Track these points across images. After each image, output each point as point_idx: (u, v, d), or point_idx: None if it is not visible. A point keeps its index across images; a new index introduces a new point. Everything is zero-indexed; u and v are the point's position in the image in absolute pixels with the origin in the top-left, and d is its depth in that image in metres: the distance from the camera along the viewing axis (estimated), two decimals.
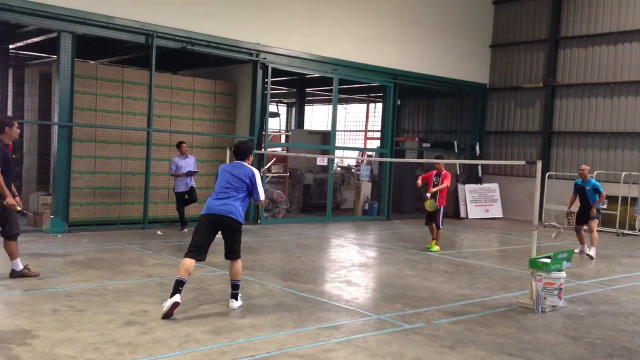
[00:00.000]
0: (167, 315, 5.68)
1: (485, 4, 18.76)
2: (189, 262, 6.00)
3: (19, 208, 6.98)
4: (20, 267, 7.10)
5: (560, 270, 6.93)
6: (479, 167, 18.53)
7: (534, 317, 6.56)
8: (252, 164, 6.53)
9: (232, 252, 6.31)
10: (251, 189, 6.32)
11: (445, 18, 17.46)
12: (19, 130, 7.16)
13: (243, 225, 6.39)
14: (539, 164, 7.20)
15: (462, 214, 17.63)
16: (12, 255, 7.03)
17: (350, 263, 9.58)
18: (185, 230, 11.69)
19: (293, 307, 6.44)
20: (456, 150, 18.84)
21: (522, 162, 7.85)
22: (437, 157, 11.40)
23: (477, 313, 6.60)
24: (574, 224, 11.79)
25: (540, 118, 17.86)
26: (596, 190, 11.14)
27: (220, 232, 6.28)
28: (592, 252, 10.96)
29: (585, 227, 11.36)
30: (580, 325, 6.32)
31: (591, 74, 16.80)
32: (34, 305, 5.94)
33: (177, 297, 5.75)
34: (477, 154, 18.60)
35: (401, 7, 16.35)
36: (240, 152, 6.50)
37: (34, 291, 6.55)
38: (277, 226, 13.59)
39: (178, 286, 5.82)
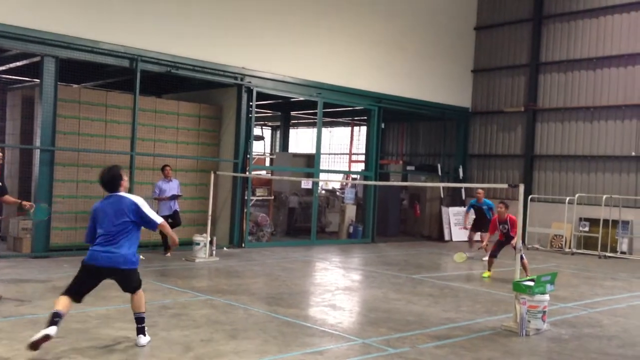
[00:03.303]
0: (34, 346, 4.96)
1: (466, 30, 19.10)
2: (66, 300, 5.34)
3: None
4: None
5: (543, 293, 6.96)
6: (463, 190, 18.65)
7: (519, 340, 6.56)
8: (130, 191, 6.20)
9: (131, 289, 5.61)
10: (141, 222, 5.57)
11: (428, 43, 17.73)
12: (0, 154, 7.10)
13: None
14: (522, 187, 7.28)
15: (446, 237, 17.69)
16: None
17: (335, 287, 9.54)
18: (169, 254, 11.58)
19: (277, 332, 6.38)
20: (440, 173, 18.98)
21: (505, 186, 7.95)
22: (502, 203, 11.26)
23: (462, 337, 6.59)
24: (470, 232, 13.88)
25: (522, 142, 18.09)
26: (490, 209, 13.20)
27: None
28: (487, 257, 11.89)
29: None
30: (565, 348, 6.33)
31: (571, 99, 17.10)
32: (12, 333, 5.82)
33: (51, 329, 5.06)
34: (461, 177, 18.75)
35: (385, 32, 16.58)
36: (108, 182, 5.60)
37: (13, 318, 6.42)
38: (261, 250, 13.52)
39: (54, 318, 5.15)
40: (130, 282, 5.59)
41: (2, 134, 13.13)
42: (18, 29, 10.37)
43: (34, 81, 13.22)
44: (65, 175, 11.51)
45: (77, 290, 5.44)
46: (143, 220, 5.55)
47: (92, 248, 5.49)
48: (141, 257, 11.26)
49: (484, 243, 12.37)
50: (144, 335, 5.59)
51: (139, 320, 5.58)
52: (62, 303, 5.29)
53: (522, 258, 10.65)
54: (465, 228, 14.30)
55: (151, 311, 6.97)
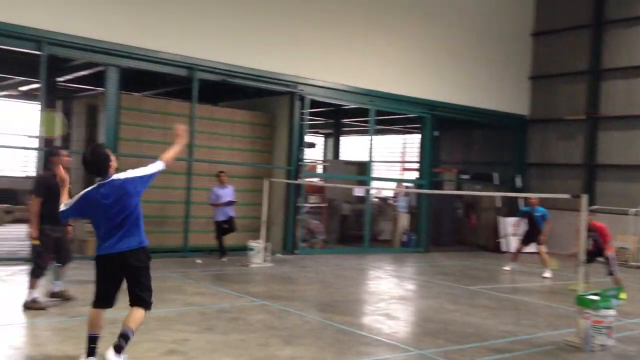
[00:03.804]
0: None
1: (523, 36, 18.66)
2: (96, 313, 4.92)
3: (36, 242, 7.01)
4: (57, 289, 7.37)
5: (609, 308, 6.68)
6: (520, 200, 18.16)
7: (583, 356, 6.32)
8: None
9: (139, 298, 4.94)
10: (149, 181, 4.99)
11: (483, 50, 17.41)
12: (67, 158, 7.35)
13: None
14: (585, 198, 7.02)
15: (503, 248, 17.25)
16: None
17: (389, 296, 9.44)
18: (225, 259, 11.75)
19: (333, 339, 6.36)
20: (496, 182, 18.55)
21: (567, 196, 7.67)
22: (591, 213, 10.93)
23: (522, 351, 6.40)
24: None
25: (583, 150, 17.49)
26: (543, 218, 12.44)
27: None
28: (547, 274, 12.04)
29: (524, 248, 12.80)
30: None
31: (636, 106, 16.43)
32: (80, 332, 6.00)
33: None
34: (518, 187, 18.27)
35: (439, 39, 16.39)
36: (94, 164, 4.78)
37: (79, 318, 6.63)
38: (314, 256, 13.54)
39: (91, 345, 4.81)
40: (140, 276, 4.96)
41: (69, 140, 13.67)
42: (84, 39, 10.79)
43: (97, 90, 13.73)
44: None
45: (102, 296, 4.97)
46: (152, 177, 5.06)
47: (102, 244, 4.87)
48: (198, 260, 11.55)
49: (545, 258, 12.04)
50: (119, 353, 4.65)
51: (124, 337, 4.73)
52: (94, 321, 4.89)
53: (612, 272, 10.26)
54: (514, 234, 13.48)
55: (209, 314, 7.10)
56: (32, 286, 7.01)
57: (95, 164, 4.78)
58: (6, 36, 10.15)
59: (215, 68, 12.39)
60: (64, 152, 7.39)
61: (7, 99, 19.47)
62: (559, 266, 11.87)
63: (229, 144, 13.52)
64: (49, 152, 7.37)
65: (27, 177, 18.78)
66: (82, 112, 13.14)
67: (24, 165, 20.02)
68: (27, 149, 16.74)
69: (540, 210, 12.50)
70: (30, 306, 6.95)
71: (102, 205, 4.73)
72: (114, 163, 4.87)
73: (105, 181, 4.77)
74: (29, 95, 17.83)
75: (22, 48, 10.49)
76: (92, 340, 4.83)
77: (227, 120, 13.56)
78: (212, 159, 12.97)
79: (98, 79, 12.39)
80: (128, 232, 4.80)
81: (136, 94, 14.71)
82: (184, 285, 8.95)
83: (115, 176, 4.81)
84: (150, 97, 14.80)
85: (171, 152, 5.15)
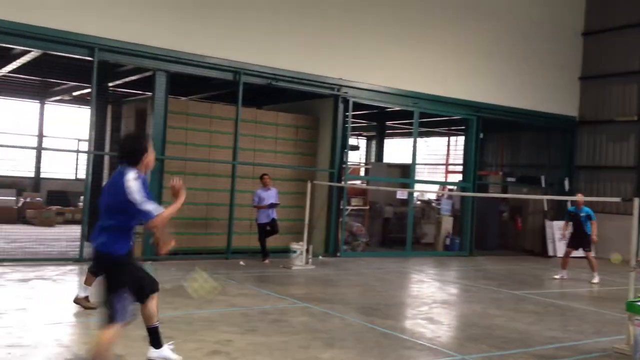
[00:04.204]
0: None
1: (573, 36, 18.18)
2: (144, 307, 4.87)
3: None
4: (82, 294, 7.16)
5: None
6: (569, 204, 17.70)
7: None
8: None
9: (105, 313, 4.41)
10: (132, 208, 4.26)
11: (530, 50, 17.04)
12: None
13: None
14: (637, 201, 6.80)
15: (551, 252, 16.85)
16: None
17: (432, 300, 9.37)
18: (267, 261, 11.88)
19: (374, 343, 6.36)
20: (543, 185, 18.13)
21: (618, 199, 7.47)
22: None
23: (569, 358, 6.26)
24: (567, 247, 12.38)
25: (635, 152, 16.92)
26: (589, 218, 11.92)
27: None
28: (595, 279, 11.73)
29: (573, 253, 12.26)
30: None
31: None
32: (126, 331, 6.19)
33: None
34: (567, 190, 17.81)
35: (484, 39, 16.15)
36: (127, 153, 4.49)
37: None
38: (356, 259, 13.55)
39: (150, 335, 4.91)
40: (106, 281, 4.38)
41: (118, 144, 14.07)
42: (132, 45, 11.11)
43: (146, 94, 14.12)
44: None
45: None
46: (129, 203, 4.26)
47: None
48: (241, 262, 11.72)
49: (593, 262, 11.71)
50: None
51: None
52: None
53: None
54: (563, 237, 12.84)
55: (252, 316, 7.22)
56: (86, 282, 7.05)
57: (129, 153, 4.49)
58: (60, 43, 10.54)
59: (260, 72, 12.56)
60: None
61: (60, 103, 20.22)
62: (620, 260, 11.10)
63: (272, 147, 13.67)
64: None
65: (78, 180, 19.45)
66: (131, 116, 13.52)
67: (74, 168, 20.75)
68: (78, 152, 17.34)
69: (586, 211, 12.04)
70: (80, 302, 7.07)
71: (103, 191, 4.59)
72: (149, 161, 4.55)
73: (120, 169, 4.50)
74: (80, 100, 18.46)
75: (75, 54, 10.90)
76: (150, 332, 4.97)
77: (271, 123, 13.72)
78: (255, 161, 13.14)
79: (147, 84, 12.74)
80: (98, 229, 4.45)
81: (183, 98, 15.06)
82: (228, 287, 9.10)
83: (130, 170, 4.41)
84: (197, 100, 15.12)
85: (169, 211, 4.42)
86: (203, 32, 11.95)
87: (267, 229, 12.07)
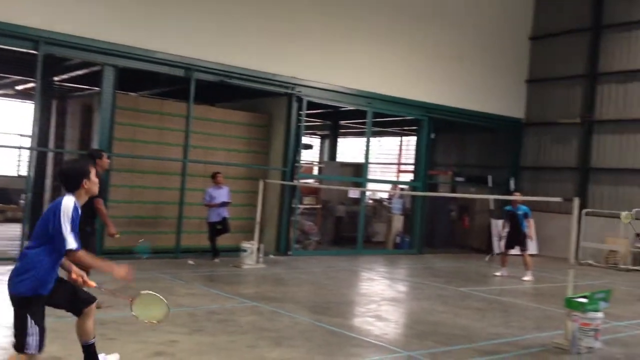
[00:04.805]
0: None
1: (521, 40, 18.72)
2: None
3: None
4: None
5: (597, 310, 6.73)
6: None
7: (569, 358, 6.37)
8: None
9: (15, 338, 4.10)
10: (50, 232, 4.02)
11: (481, 53, 17.46)
12: (108, 161, 7.39)
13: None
14: (576, 201, 7.08)
15: (496, 250, 17.29)
16: None
17: (381, 297, 9.49)
18: (217, 260, 11.78)
19: (322, 341, 6.40)
20: (490, 184, 18.62)
21: (559, 199, 7.74)
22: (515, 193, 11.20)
23: (510, 353, 6.45)
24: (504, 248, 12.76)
25: (577, 154, 17.57)
26: (526, 216, 12.27)
27: None
28: (527, 277, 12.07)
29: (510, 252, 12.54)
30: None
31: (630, 110, 16.51)
32: (66, 333, 6.04)
33: None
34: (512, 189, 18.33)
35: (437, 42, 16.43)
36: (65, 179, 4.26)
37: (67, 319, 6.65)
38: (307, 258, 13.58)
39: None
40: (15, 318, 4.06)
41: (62, 140, 13.69)
42: (80, 39, 10.81)
43: (93, 89, 13.76)
44: (121, 181, 11.89)
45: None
46: (53, 229, 4.01)
47: None
48: (190, 262, 11.58)
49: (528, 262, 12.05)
50: None
51: None
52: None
53: None
54: (500, 238, 13.34)
55: (199, 316, 7.14)
56: None
57: (66, 178, 4.27)
58: (4, 35, 10.17)
59: (212, 69, 12.43)
60: (105, 154, 7.40)
61: (2, 97, 19.49)
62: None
63: (224, 145, 13.55)
64: (94, 153, 7.45)
65: (20, 177, 18.80)
66: (77, 112, 13.17)
67: (17, 164, 20.04)
68: (21, 148, 16.74)
69: (523, 209, 12.36)
70: None
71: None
72: (91, 185, 4.30)
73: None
74: (24, 94, 17.85)
75: (19, 47, 10.52)
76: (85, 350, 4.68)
77: (223, 120, 13.60)
78: (207, 159, 13.00)
79: (94, 79, 12.42)
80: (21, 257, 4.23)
81: (132, 93, 14.75)
82: (175, 287, 8.99)
83: (69, 197, 4.19)
84: (147, 97, 14.84)
85: (90, 262, 4.28)
86: (154, 27, 11.74)
87: (217, 228, 11.98)
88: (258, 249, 11.66)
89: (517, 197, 12.43)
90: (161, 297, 4.47)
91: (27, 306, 4.03)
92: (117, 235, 7.30)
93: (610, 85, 17.03)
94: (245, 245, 11.55)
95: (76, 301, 4.53)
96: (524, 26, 18.79)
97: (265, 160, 14.27)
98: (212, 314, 7.32)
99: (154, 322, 4.54)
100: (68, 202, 4.10)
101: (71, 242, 4.01)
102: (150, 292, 4.50)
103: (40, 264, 4.05)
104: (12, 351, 4.24)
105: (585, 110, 17.34)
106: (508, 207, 12.62)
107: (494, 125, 18.21)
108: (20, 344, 4.04)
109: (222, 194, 11.95)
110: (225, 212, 12.00)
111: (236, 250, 11.72)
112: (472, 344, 6.69)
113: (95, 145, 11.44)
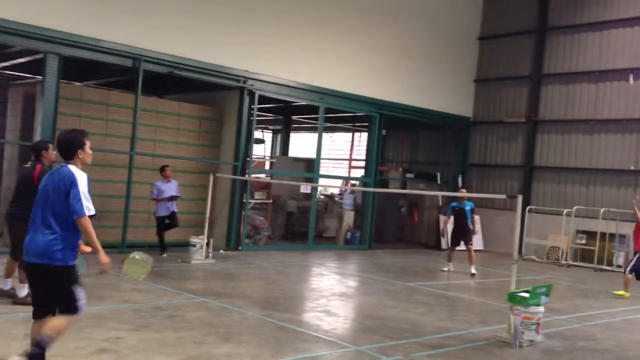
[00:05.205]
0: None
1: (470, 40, 19.13)
2: (35, 326, 4.46)
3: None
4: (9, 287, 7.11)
5: (538, 304, 6.96)
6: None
7: (512, 351, 6.55)
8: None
9: (58, 305, 4.43)
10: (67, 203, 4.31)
11: (432, 52, 17.75)
12: (54, 152, 7.04)
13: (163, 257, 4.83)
14: (520, 198, 7.29)
15: (444, 245, 17.64)
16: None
17: (331, 292, 9.53)
18: (165, 255, 11.56)
19: (271, 336, 6.37)
20: (439, 181, 18.99)
21: (503, 196, 7.96)
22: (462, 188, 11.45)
23: (455, 346, 6.58)
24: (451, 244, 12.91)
25: (522, 152, 18.11)
26: (472, 211, 12.50)
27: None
28: (472, 270, 12.26)
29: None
30: None
31: (572, 111, 17.12)
32: (5, 330, 5.81)
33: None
34: (460, 186, 18.74)
35: (389, 40, 16.60)
36: (64, 147, 4.52)
37: (6, 315, 6.41)
38: (258, 253, 13.51)
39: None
40: (54, 290, 4.38)
41: (2, 130, 13.14)
42: (22, 25, 10.37)
43: (36, 78, 13.25)
44: None
45: (34, 302, 4.51)
46: (69, 200, 4.31)
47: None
48: (137, 257, 11.28)
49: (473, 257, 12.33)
50: None
51: (39, 346, 4.27)
52: (32, 332, 4.47)
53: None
54: (442, 235, 13.48)
55: (145, 312, 6.99)
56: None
57: (64, 147, 4.54)
58: None
59: (161, 59, 12.16)
60: (52, 145, 7.13)
61: None
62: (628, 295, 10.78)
63: (174, 138, 13.30)
64: (40, 144, 7.18)
65: None
66: (19, 101, 12.64)
67: None
68: None
69: (469, 205, 12.54)
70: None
71: (42, 189, 4.55)
72: (85, 156, 4.57)
73: (61, 166, 4.54)
74: None
75: None
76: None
77: (172, 113, 13.34)
78: (155, 152, 12.73)
79: (37, 67, 11.95)
80: (39, 230, 4.44)
81: (78, 83, 14.28)
82: (120, 282, 8.76)
83: (70, 166, 4.48)
84: (92, 87, 14.41)
85: (92, 234, 4.43)
86: (101, 15, 11.38)
87: (166, 222, 11.76)
88: (207, 244, 11.50)
89: (463, 193, 12.72)
90: (147, 258, 5.24)
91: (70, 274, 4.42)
92: None
93: (554, 86, 17.61)
94: (194, 240, 11.37)
95: None
96: (473, 27, 19.21)
97: (216, 154, 14.09)
98: (159, 310, 7.17)
99: (141, 277, 5.28)
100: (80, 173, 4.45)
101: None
102: (139, 254, 5.22)
103: (72, 236, 4.44)
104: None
105: (530, 110, 17.88)
106: (454, 203, 12.84)
107: (443, 123, 18.55)
108: (73, 308, 4.39)
109: (170, 188, 11.74)
110: (174, 207, 11.80)
111: (185, 245, 11.53)
112: (419, 338, 6.80)
113: (37, 135, 11.02)
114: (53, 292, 4.39)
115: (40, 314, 4.44)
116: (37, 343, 4.28)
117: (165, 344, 5.74)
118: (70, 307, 4.37)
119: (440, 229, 17.74)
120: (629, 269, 10.74)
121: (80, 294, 4.44)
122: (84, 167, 4.58)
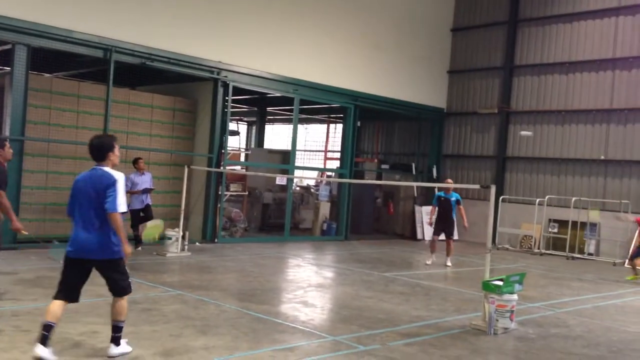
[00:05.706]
0: None
1: (443, 31, 19.25)
2: (57, 305, 4.95)
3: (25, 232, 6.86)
4: None
5: (512, 292, 7.07)
6: (436, 190, 18.83)
7: (487, 339, 6.66)
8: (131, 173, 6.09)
9: (116, 289, 5.20)
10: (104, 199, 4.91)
11: (406, 43, 17.82)
12: (11, 151, 7.15)
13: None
14: (493, 188, 7.38)
15: (419, 236, 17.84)
16: None
17: (307, 283, 9.55)
18: (140, 248, 11.45)
19: (248, 328, 6.36)
20: (414, 172, 19.14)
21: (477, 186, 8.05)
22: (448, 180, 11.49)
23: (431, 335, 6.66)
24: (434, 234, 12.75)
25: (495, 143, 18.34)
26: (458, 203, 12.42)
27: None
28: (449, 262, 12.40)
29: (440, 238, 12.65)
30: (531, 347, 6.45)
31: (544, 102, 17.39)
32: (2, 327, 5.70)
33: (42, 351, 4.67)
34: (434, 177, 18.93)
35: (363, 32, 16.62)
36: (96, 150, 5.04)
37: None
38: (234, 245, 13.46)
39: (44, 331, 4.77)
40: (114, 274, 5.16)
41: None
42: None
43: (4, 69, 12.94)
44: (35, 166, 11.29)
45: (68, 288, 5.03)
46: (106, 196, 4.88)
47: (75, 231, 5.05)
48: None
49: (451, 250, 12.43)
50: (117, 344, 5.12)
51: (116, 329, 5.13)
52: (52, 311, 4.87)
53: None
54: (430, 224, 12.77)
55: None
56: None
57: (97, 149, 5.06)
58: None
59: (133, 50, 11.98)
60: (7, 144, 6.99)
61: None
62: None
63: (147, 130, 13.14)
64: None
65: None
66: None
67: None
68: None
69: (455, 196, 12.41)
70: None
71: (81, 191, 5.07)
72: (115, 157, 5.12)
73: (95, 168, 5.07)
74: None
75: None
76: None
77: (145, 105, 13.17)
78: (128, 144, 12.56)
79: (5, 58, 11.67)
80: (94, 229, 5.13)
81: (47, 74, 13.99)
82: (95, 276, 8.62)
83: (106, 169, 5.04)
84: (63, 78, 14.13)
85: (121, 231, 5.13)
86: (71, 5, 11.17)
87: (140, 215, 11.63)
88: (183, 237, 11.42)
89: (449, 184, 12.65)
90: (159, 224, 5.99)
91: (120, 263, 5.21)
92: (25, 232, 6.87)
93: (525, 77, 17.84)
94: (169, 232, 11.28)
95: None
96: (446, 18, 19.33)
97: (190, 147, 13.96)
98: (135, 303, 7.09)
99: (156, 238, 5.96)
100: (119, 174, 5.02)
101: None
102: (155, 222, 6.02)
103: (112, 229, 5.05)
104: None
105: (503, 101, 18.10)
106: (440, 193, 12.71)
107: (417, 114, 18.67)
108: (129, 288, 5.27)
109: (144, 181, 11.61)
110: (148, 199, 11.68)
111: (160, 238, 11.42)
112: (395, 327, 6.86)
113: (7, 128, 10.78)
114: (114, 280, 5.16)
115: (66, 297, 5.01)
116: (115, 327, 5.10)
117: (142, 338, 5.70)
118: (127, 288, 5.23)
119: (417, 219, 17.94)
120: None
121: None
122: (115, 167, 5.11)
